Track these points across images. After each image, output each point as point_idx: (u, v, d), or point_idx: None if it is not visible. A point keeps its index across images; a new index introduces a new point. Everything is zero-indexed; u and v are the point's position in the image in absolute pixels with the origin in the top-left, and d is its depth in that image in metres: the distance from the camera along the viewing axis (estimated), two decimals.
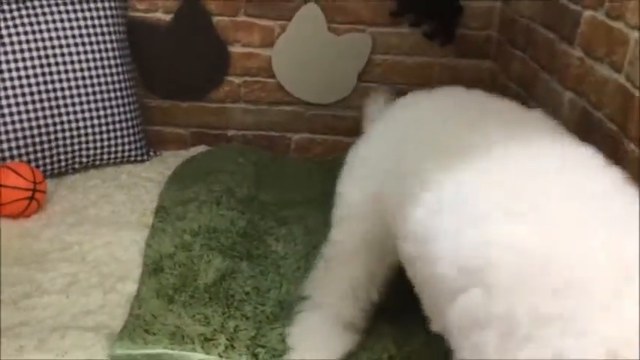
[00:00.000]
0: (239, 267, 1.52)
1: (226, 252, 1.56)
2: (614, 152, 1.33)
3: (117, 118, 1.98)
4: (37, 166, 1.84)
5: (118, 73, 1.97)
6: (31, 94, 1.84)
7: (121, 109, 1.99)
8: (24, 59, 1.83)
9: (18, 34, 1.83)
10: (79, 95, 1.91)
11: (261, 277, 1.50)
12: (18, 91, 1.82)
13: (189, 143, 2.22)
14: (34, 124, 1.85)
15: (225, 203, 1.75)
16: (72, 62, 1.89)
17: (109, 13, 1.95)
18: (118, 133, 1.99)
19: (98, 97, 1.94)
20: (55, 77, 1.87)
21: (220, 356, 1.23)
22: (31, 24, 1.85)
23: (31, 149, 1.86)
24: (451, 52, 2.15)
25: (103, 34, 1.94)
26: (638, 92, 1.26)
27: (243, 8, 2.09)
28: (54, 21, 1.87)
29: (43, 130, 1.86)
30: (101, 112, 1.95)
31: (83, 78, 1.91)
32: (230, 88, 2.18)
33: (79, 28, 1.90)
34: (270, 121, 2.22)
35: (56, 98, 1.87)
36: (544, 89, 1.70)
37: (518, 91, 1.90)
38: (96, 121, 1.94)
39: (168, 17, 2.08)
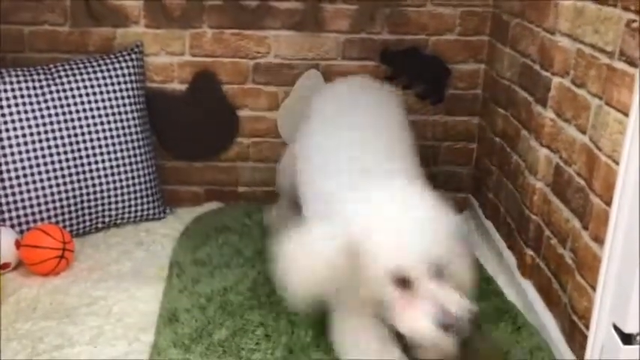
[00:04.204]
0: (250, 317, 1.65)
1: (236, 312, 1.69)
2: (583, 205, 1.48)
3: (136, 180, 2.17)
4: (65, 227, 2.02)
5: (137, 140, 2.16)
6: (60, 162, 2.03)
7: (140, 172, 2.17)
8: (53, 130, 2.03)
9: (48, 108, 2.03)
10: (103, 161, 2.10)
11: (273, 325, 1.63)
12: (48, 159, 2.01)
13: (203, 200, 2.40)
14: (62, 189, 2.03)
15: (235, 263, 1.92)
16: (96, 132, 2.09)
17: (129, 85, 2.16)
18: (138, 194, 2.18)
19: (120, 162, 2.13)
20: (82, 146, 2.06)
21: None
22: (59, 98, 2.05)
23: (59, 212, 2.04)
24: (442, 110, 2.32)
25: (124, 105, 2.14)
26: (600, 153, 1.42)
27: (250, 76, 2.29)
28: (80, 95, 2.08)
29: (70, 194, 2.05)
30: (122, 176, 2.14)
31: (106, 145, 2.10)
32: (240, 148, 2.36)
33: (103, 100, 2.11)
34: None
35: (82, 165, 2.07)
36: (524, 145, 1.87)
37: (502, 145, 2.06)
38: (117, 184, 2.13)
39: (183, 87, 2.28)
